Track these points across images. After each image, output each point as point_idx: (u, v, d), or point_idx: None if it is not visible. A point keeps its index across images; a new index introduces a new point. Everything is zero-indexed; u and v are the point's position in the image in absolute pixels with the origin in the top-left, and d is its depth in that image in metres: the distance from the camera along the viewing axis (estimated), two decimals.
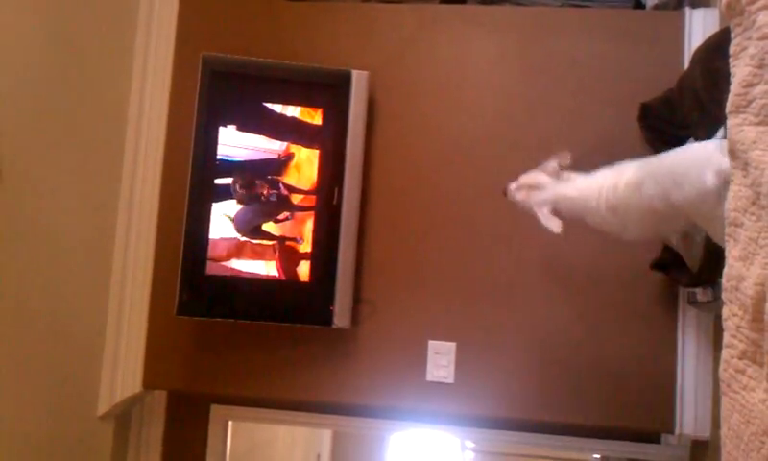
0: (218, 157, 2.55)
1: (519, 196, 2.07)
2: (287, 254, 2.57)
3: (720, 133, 1.70)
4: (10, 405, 2.17)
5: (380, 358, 2.61)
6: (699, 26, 2.54)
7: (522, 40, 2.69)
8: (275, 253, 2.56)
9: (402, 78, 2.72)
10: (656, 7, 2.74)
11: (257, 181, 2.57)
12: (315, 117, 2.60)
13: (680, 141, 1.98)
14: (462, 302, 2.61)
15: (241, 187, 2.55)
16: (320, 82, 2.61)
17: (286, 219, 2.58)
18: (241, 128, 2.58)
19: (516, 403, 2.55)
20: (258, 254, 2.57)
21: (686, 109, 2.15)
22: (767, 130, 1.16)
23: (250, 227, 2.56)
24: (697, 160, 1.54)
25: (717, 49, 1.68)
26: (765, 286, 1.10)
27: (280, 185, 2.57)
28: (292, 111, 2.60)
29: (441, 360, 2.58)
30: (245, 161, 2.57)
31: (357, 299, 2.61)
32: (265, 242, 2.57)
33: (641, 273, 2.43)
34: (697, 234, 1.99)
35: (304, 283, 2.57)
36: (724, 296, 1.24)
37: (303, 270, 2.56)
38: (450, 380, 2.57)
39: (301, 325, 2.60)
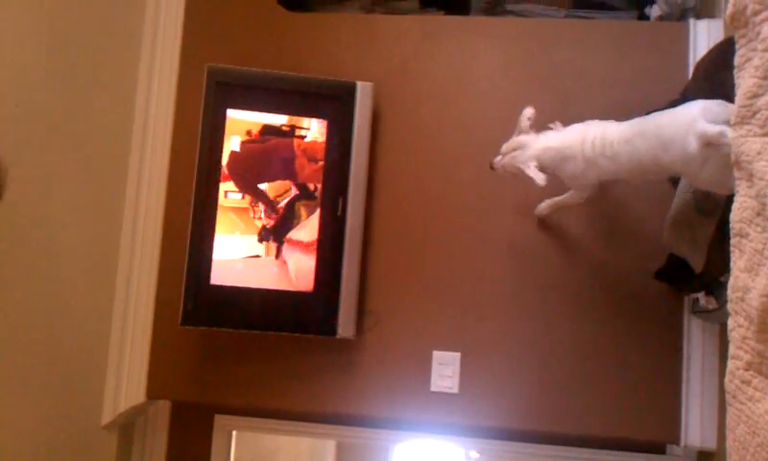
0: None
1: (506, 161, 2.20)
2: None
3: None
4: (14, 414, 2.17)
5: (384, 369, 2.61)
6: (703, 37, 2.54)
7: (526, 52, 2.70)
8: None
9: (406, 89, 2.72)
10: (660, 18, 2.74)
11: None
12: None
13: None
14: (466, 312, 2.60)
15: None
16: (324, 93, 2.61)
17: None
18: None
19: (520, 414, 2.54)
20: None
21: None
22: None
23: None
24: (681, 127, 1.71)
25: (722, 59, 1.68)
26: None
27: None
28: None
29: (445, 370, 2.57)
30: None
31: (361, 309, 2.61)
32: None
33: (646, 283, 2.43)
34: (701, 231, 2.01)
35: (309, 293, 2.57)
36: (729, 307, 1.24)
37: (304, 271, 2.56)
38: (455, 391, 2.56)
39: (306, 335, 2.59)
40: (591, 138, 2.02)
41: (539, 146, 2.13)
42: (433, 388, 2.58)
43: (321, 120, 2.60)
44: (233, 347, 2.68)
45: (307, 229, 2.56)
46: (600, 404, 2.50)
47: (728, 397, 1.24)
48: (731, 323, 1.24)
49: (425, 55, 2.74)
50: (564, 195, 2.35)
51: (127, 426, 2.86)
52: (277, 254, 2.57)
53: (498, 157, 2.24)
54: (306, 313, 2.58)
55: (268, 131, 2.59)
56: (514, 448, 2.86)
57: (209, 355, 2.70)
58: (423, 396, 2.58)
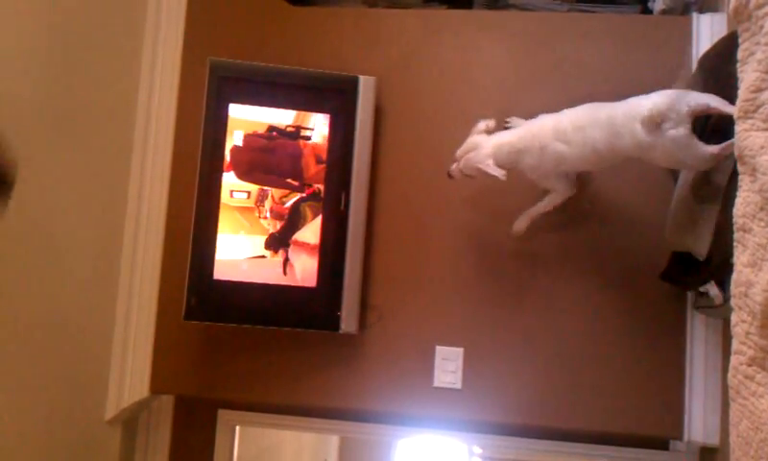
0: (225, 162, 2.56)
1: (462, 164, 2.26)
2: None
3: None
4: (18, 410, 2.18)
5: (387, 364, 2.61)
6: (706, 31, 2.53)
7: (529, 45, 2.69)
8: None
9: (409, 83, 2.72)
10: (663, 12, 2.73)
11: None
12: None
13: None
14: (469, 307, 2.60)
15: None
16: (327, 87, 2.61)
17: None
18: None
19: (523, 409, 2.54)
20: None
21: None
22: None
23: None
24: (629, 116, 1.92)
25: (727, 53, 1.68)
26: None
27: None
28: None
29: (448, 366, 2.57)
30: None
31: (364, 304, 2.61)
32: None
33: (650, 279, 2.42)
34: (702, 219, 2.02)
35: (312, 289, 2.57)
36: (733, 302, 1.24)
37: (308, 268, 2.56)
38: (458, 386, 2.56)
39: (309, 330, 2.59)
40: (545, 127, 2.14)
41: (492, 144, 2.21)
42: (436, 383, 2.58)
43: (323, 115, 2.59)
44: (236, 342, 2.68)
45: (313, 230, 2.56)
46: (603, 400, 2.50)
47: (731, 392, 1.24)
48: (734, 318, 1.24)
49: (428, 49, 2.73)
50: (539, 203, 2.42)
51: (130, 421, 2.87)
52: (284, 259, 2.57)
53: (454, 165, 2.30)
54: (309, 308, 2.58)
55: (273, 131, 2.58)
56: (516, 444, 2.86)
57: (213, 350, 2.70)
58: (426, 391, 2.58)
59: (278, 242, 2.57)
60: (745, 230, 1.22)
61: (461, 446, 5.37)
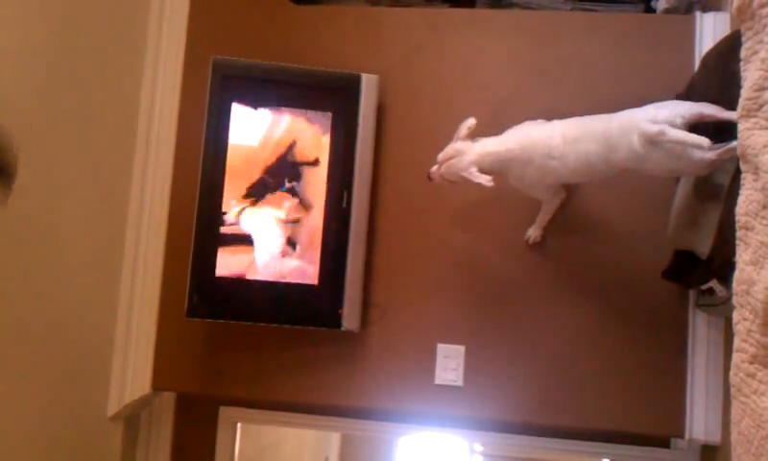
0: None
1: (443, 170, 2.23)
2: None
3: None
4: (20, 406, 2.18)
5: (389, 361, 2.61)
6: (709, 30, 2.53)
7: (531, 44, 2.69)
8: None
9: (411, 82, 2.72)
10: (666, 11, 2.73)
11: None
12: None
13: None
14: (471, 305, 2.60)
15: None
16: (329, 85, 2.61)
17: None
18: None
19: (524, 407, 2.54)
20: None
21: None
22: None
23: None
24: (627, 129, 1.92)
25: (731, 52, 1.68)
26: None
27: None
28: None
29: (449, 363, 2.57)
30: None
31: (366, 302, 2.61)
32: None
33: (651, 277, 2.42)
34: (704, 217, 2.03)
35: (314, 286, 2.57)
36: (735, 300, 1.24)
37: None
38: (459, 384, 2.57)
39: (311, 327, 2.60)
40: (534, 141, 2.11)
41: (476, 151, 2.17)
42: (437, 381, 2.58)
43: (326, 113, 2.60)
44: (238, 339, 2.69)
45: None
46: (604, 398, 2.50)
47: (732, 390, 1.24)
48: (735, 316, 1.24)
49: (431, 47, 2.73)
50: (540, 214, 2.46)
51: (132, 418, 2.87)
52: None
53: (434, 167, 2.26)
54: (311, 306, 2.58)
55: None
56: (518, 442, 2.86)
57: (214, 347, 2.71)
58: (428, 389, 2.58)
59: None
60: (747, 229, 1.22)
61: (462, 443, 5.37)
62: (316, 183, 2.58)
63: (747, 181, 1.24)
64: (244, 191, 2.57)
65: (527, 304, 2.58)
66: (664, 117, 1.86)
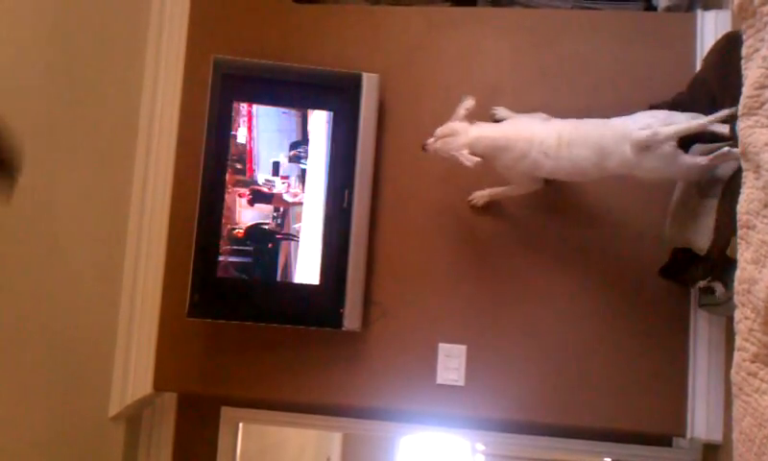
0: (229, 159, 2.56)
1: (438, 145, 2.27)
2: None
3: None
4: (22, 407, 2.18)
5: (390, 361, 2.61)
6: (711, 28, 2.53)
7: (533, 42, 2.69)
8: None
9: (412, 80, 2.72)
10: (667, 9, 2.73)
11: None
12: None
13: (686, 144, 1.99)
14: (472, 305, 2.60)
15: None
16: (330, 84, 2.61)
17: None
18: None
19: (526, 406, 2.54)
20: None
21: (699, 110, 2.14)
22: None
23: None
24: (619, 136, 1.99)
25: (733, 50, 1.69)
26: None
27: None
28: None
29: (451, 363, 2.57)
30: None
31: (367, 301, 2.61)
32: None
33: (653, 276, 2.42)
34: (703, 214, 2.06)
35: (315, 286, 2.57)
36: (736, 299, 1.24)
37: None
38: (461, 383, 2.56)
39: (312, 327, 2.60)
40: (532, 135, 2.16)
41: (471, 134, 2.22)
42: (439, 380, 2.58)
43: (326, 112, 2.60)
44: (240, 339, 2.68)
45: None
46: (606, 397, 2.49)
47: (734, 389, 1.24)
48: (737, 315, 1.24)
49: (432, 46, 2.73)
50: (502, 189, 2.48)
51: (134, 418, 2.87)
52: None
53: (431, 140, 2.30)
54: (312, 305, 2.58)
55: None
56: (519, 441, 2.86)
57: (216, 347, 2.71)
58: (429, 388, 2.58)
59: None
60: (749, 227, 1.21)
61: (464, 443, 5.38)
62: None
63: (748, 180, 1.24)
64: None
65: (529, 304, 2.57)
66: (658, 122, 1.94)
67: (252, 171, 2.59)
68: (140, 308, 2.73)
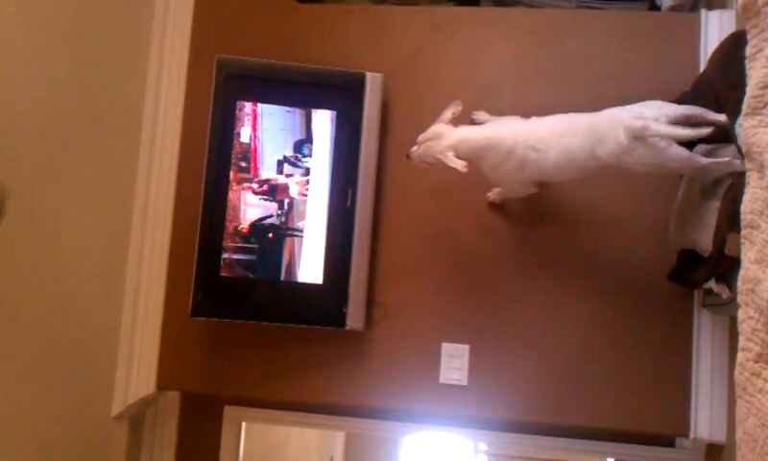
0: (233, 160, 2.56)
1: (421, 151, 2.26)
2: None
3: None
4: (24, 406, 2.19)
5: (393, 360, 2.61)
6: (715, 28, 2.52)
7: (536, 43, 2.68)
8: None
9: (416, 80, 2.72)
10: (671, 9, 2.72)
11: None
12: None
13: (691, 144, 1.99)
14: (475, 304, 2.60)
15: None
16: (333, 84, 2.61)
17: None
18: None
19: (529, 406, 2.54)
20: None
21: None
22: None
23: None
24: (613, 123, 1.98)
25: (737, 50, 1.69)
26: None
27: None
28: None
29: (454, 362, 2.57)
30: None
31: (370, 301, 2.61)
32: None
33: (656, 276, 2.42)
34: (707, 215, 2.04)
35: (318, 285, 2.57)
36: (739, 299, 1.24)
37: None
38: (464, 383, 2.56)
39: (315, 327, 2.60)
40: (516, 132, 2.14)
41: (455, 136, 2.20)
42: (442, 380, 2.58)
43: (330, 111, 2.60)
44: (243, 338, 2.69)
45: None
46: (609, 397, 2.49)
47: (737, 389, 1.24)
48: (740, 314, 1.24)
49: (435, 46, 2.73)
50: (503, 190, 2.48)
51: (137, 417, 2.88)
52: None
53: (414, 147, 2.29)
54: (315, 305, 2.58)
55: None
56: (522, 441, 2.86)
57: (219, 347, 2.71)
58: (432, 388, 2.58)
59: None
60: (753, 227, 1.21)
61: (467, 442, 5.38)
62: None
63: (752, 179, 1.23)
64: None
65: (532, 304, 2.57)
66: (650, 115, 1.92)
67: (257, 169, 2.60)
68: (143, 307, 2.73)
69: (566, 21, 2.70)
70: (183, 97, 2.79)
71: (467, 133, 2.21)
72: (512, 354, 2.56)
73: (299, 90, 2.62)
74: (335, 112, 2.60)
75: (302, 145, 2.60)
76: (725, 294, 2.11)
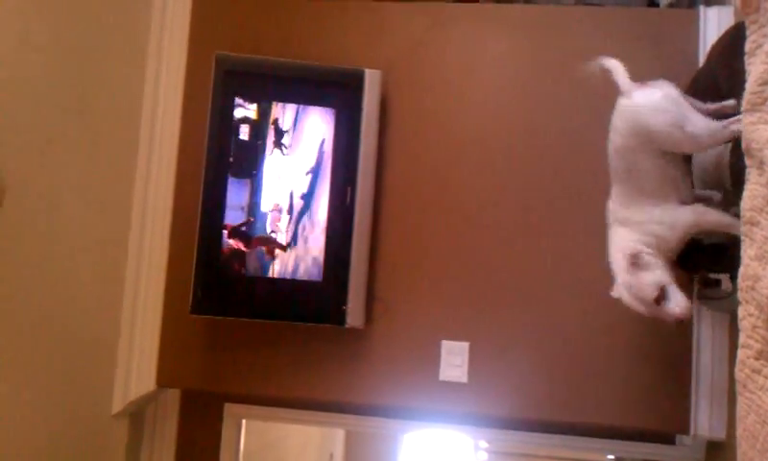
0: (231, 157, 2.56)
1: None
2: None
3: None
4: (25, 404, 2.18)
5: (393, 358, 2.61)
6: (713, 24, 2.52)
7: (535, 39, 2.68)
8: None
9: (415, 76, 2.71)
10: (670, 5, 2.72)
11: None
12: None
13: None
14: (475, 301, 2.60)
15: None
16: (332, 81, 2.61)
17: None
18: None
19: (529, 403, 2.54)
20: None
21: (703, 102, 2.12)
22: None
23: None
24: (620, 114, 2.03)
25: (736, 46, 1.68)
26: None
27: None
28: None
29: (454, 360, 2.57)
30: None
31: (370, 298, 2.61)
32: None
33: None
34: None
35: (318, 283, 2.57)
36: (740, 295, 1.23)
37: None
38: (464, 380, 2.56)
39: (315, 324, 2.60)
40: (622, 237, 2.18)
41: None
42: (442, 377, 2.58)
43: (329, 108, 2.59)
44: (243, 335, 2.69)
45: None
46: (609, 394, 2.49)
47: (738, 386, 1.24)
48: (741, 311, 1.23)
49: (434, 42, 2.73)
50: None
51: (137, 415, 2.88)
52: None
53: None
54: (315, 302, 2.58)
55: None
56: (522, 438, 2.86)
57: (219, 344, 2.71)
58: (432, 385, 2.58)
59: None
60: (753, 224, 1.21)
61: (467, 440, 5.38)
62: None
63: (752, 176, 1.23)
64: None
65: (531, 301, 2.57)
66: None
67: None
68: (143, 305, 2.73)
69: (565, 18, 2.70)
70: (182, 94, 2.79)
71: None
72: (512, 352, 2.55)
73: (297, 87, 2.62)
74: (334, 109, 2.59)
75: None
76: (724, 284, 2.10)
